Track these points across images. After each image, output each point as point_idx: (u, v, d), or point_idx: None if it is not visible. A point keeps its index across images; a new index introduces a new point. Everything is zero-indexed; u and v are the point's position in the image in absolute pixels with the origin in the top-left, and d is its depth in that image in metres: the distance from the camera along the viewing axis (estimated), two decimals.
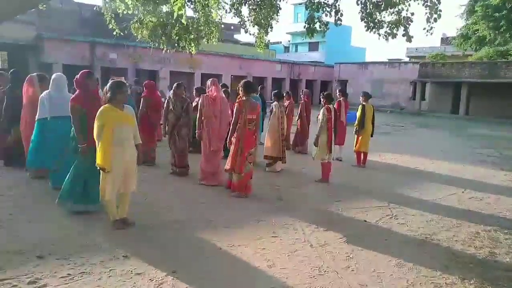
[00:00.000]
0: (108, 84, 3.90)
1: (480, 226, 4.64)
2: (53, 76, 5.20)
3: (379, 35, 6.52)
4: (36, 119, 5.21)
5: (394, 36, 6.33)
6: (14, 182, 5.52)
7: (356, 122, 7.81)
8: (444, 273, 3.38)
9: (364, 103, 7.81)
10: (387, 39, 6.37)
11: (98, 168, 3.81)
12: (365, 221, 4.69)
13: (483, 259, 3.73)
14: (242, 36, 51.84)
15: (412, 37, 5.85)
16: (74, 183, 4.25)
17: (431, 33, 5.84)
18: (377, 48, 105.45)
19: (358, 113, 7.79)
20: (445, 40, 39.65)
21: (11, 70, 6.45)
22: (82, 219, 4.22)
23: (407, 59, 38.10)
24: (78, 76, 4.42)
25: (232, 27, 40.06)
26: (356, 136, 7.78)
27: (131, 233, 3.92)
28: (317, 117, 6.40)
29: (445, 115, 25.38)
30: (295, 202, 5.34)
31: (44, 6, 8.57)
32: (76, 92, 4.39)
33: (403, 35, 6.00)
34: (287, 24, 47.38)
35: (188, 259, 3.41)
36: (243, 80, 5.63)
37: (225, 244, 3.76)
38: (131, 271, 3.12)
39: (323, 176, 6.39)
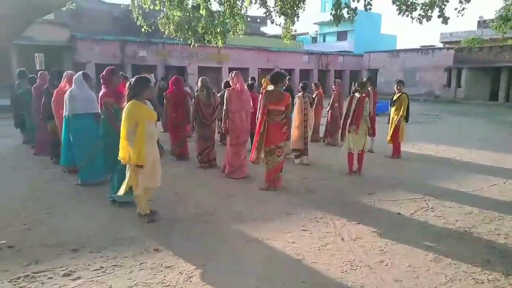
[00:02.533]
0: (133, 80, 3.90)
1: None
2: (76, 75, 5.32)
3: (412, 18, 6.17)
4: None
5: (428, 18, 5.96)
6: (52, 177, 5.74)
7: (402, 111, 7.40)
8: (486, 268, 3.19)
9: (404, 92, 7.49)
10: (421, 22, 6.02)
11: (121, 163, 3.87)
12: (399, 214, 4.51)
13: None
14: (268, 29, 51.54)
15: (449, 18, 5.49)
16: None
17: (463, 14, 5.47)
18: (409, 35, 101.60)
19: (404, 103, 7.40)
20: (482, 24, 37.57)
21: (52, 70, 6.70)
22: (114, 213, 4.31)
23: (441, 45, 36.45)
24: (104, 73, 4.51)
25: (258, 20, 39.88)
26: (396, 126, 7.45)
27: (161, 226, 3.97)
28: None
29: (483, 103, 24.13)
30: (325, 195, 5.22)
31: (74, 5, 8.81)
32: (104, 89, 4.49)
33: (439, 17, 5.62)
34: (314, 14, 46.57)
35: (217, 253, 3.40)
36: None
37: (254, 238, 3.73)
38: (161, 264, 3.15)
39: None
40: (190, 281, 2.92)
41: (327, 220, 4.25)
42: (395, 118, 7.49)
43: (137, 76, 4.00)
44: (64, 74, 5.90)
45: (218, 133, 8.53)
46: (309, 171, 6.50)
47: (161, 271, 3.05)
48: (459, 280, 3.00)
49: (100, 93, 4.56)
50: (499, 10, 28.27)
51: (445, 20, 5.49)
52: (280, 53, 28.32)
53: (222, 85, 9.12)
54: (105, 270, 3.04)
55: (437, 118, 15.60)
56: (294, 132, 6.91)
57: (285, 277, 3.02)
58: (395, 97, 7.54)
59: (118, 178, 4.25)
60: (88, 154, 5.05)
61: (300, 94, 7.04)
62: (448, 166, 7.12)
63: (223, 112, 5.86)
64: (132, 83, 3.87)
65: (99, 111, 4.78)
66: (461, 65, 25.83)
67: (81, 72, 5.38)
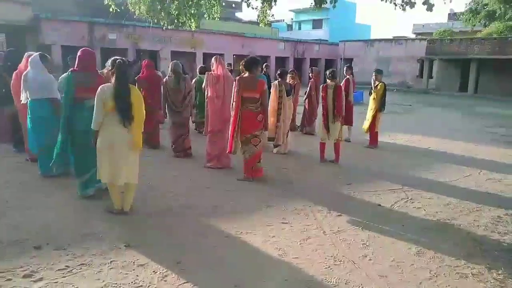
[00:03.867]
0: (113, 61, 3.57)
1: (501, 210, 4.39)
2: (32, 57, 4.84)
3: (396, 5, 6.05)
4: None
5: (412, 5, 5.85)
6: (14, 167, 5.31)
7: (378, 101, 7.36)
8: (469, 262, 3.15)
9: (382, 82, 7.45)
10: (404, 9, 5.91)
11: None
12: (380, 205, 4.45)
13: (509, 246, 3.50)
14: (244, 14, 50.72)
15: (433, 5, 5.39)
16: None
17: (451, 1, 5.38)
18: (382, 25, 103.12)
19: (380, 92, 7.35)
20: (452, 16, 38.57)
21: (7, 50, 6.15)
22: (82, 207, 4.01)
23: (413, 36, 37.14)
24: (81, 53, 4.14)
25: (233, 5, 39.15)
26: (373, 116, 7.42)
27: (132, 221, 3.71)
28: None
29: (453, 93, 24.85)
30: (304, 186, 5.10)
31: None
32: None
33: (424, 3, 5.51)
34: (290, 1, 46.18)
35: (193, 248, 3.20)
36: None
37: (233, 232, 3.54)
38: (133, 262, 2.91)
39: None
40: (165, 281, 2.70)
41: (307, 212, 4.12)
42: (372, 108, 7.46)
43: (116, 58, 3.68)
44: (25, 56, 5.39)
45: (193, 122, 8.23)
46: (287, 161, 6.36)
47: (133, 270, 2.82)
48: (444, 275, 2.94)
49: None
50: (469, 4, 29.09)
51: (430, 7, 5.41)
52: (255, 40, 27.95)
53: (197, 70, 8.79)
54: (71, 270, 2.77)
55: (410, 108, 15.86)
56: (269, 121, 6.67)
57: (266, 274, 2.86)
58: (373, 87, 7.49)
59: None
60: (49, 141, 4.61)
61: (276, 82, 6.81)
62: (424, 156, 7.18)
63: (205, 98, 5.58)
64: (110, 64, 3.59)
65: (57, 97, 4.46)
66: (432, 56, 26.40)
67: (37, 53, 4.91)
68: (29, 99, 4.70)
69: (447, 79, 26.78)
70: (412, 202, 4.58)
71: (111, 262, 2.91)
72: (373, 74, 7.59)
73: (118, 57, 3.66)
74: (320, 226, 3.78)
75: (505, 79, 23.84)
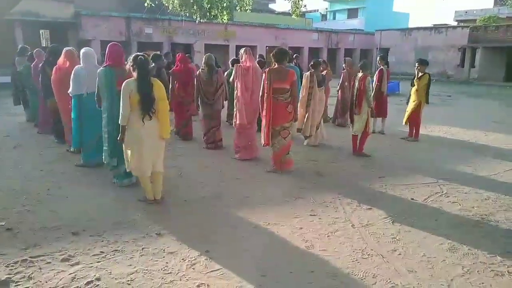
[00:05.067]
0: (135, 57, 3.68)
1: None
2: (83, 50, 5.05)
3: None
4: (71, 94, 5.10)
5: None
6: (55, 157, 5.63)
7: (423, 93, 7.08)
8: (506, 259, 3.01)
9: (426, 72, 7.15)
10: None
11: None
12: (412, 199, 4.32)
13: None
14: (277, 6, 50.32)
15: None
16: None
17: None
18: (421, 13, 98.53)
19: (425, 83, 7.05)
20: (499, 1, 36.16)
21: (50, 46, 6.48)
22: (117, 196, 4.19)
23: (455, 24, 35.28)
24: (111, 48, 4.30)
25: None
26: (416, 108, 7.14)
27: (164, 210, 3.84)
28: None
29: (498, 84, 23.42)
30: (334, 178, 5.04)
31: None
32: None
33: None
34: None
35: (222, 238, 3.27)
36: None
37: (261, 223, 3.58)
38: (164, 250, 3.02)
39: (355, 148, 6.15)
40: (193, 269, 2.79)
41: (336, 205, 4.09)
42: (415, 100, 7.15)
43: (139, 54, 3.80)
44: (63, 51, 5.65)
45: (227, 114, 8.31)
46: (318, 153, 6.30)
47: (163, 257, 2.93)
48: (477, 272, 2.83)
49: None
50: None
51: None
52: (288, 31, 27.64)
53: (230, 63, 8.85)
54: (105, 255, 2.92)
55: (449, 99, 15.16)
56: (299, 112, 6.58)
57: (293, 265, 2.88)
58: (417, 77, 7.16)
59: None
60: (97, 133, 4.83)
61: (308, 73, 6.73)
62: (462, 149, 6.87)
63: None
64: (133, 60, 3.68)
65: None
66: (476, 45, 24.99)
67: (88, 48, 5.15)
68: (86, 92, 4.85)
69: (491, 68, 25.25)
70: (447, 197, 4.41)
71: (142, 249, 3.03)
72: (416, 65, 7.25)
73: (139, 53, 3.77)
74: (349, 219, 3.74)
75: None
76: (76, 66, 4.98)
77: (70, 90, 4.95)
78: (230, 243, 3.19)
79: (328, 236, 3.36)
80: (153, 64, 6.83)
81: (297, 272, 2.79)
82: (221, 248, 3.09)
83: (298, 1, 8.65)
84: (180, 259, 2.91)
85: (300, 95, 6.55)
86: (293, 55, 9.16)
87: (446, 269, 2.86)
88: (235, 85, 5.64)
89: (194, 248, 3.05)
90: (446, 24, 33.93)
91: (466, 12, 37.72)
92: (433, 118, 9.74)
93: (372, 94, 6.00)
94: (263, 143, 5.10)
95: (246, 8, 9.00)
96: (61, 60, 5.53)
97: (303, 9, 9.16)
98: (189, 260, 2.89)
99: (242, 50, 5.74)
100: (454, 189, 4.65)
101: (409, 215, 3.84)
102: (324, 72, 7.92)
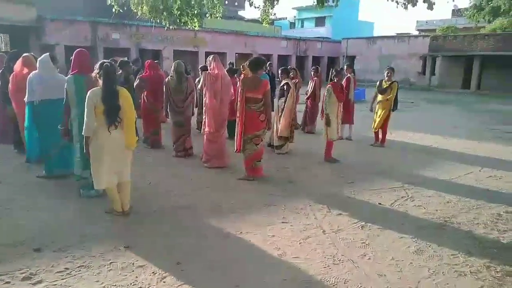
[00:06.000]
0: (101, 65, 3.58)
1: (501, 207, 4.38)
2: (41, 57, 4.83)
3: (397, 3, 6.03)
4: (26, 102, 4.87)
5: (414, 3, 5.84)
6: (15, 168, 5.35)
7: (392, 101, 7.35)
8: (468, 260, 3.15)
9: (395, 80, 7.40)
10: (406, 8, 5.89)
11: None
12: (380, 204, 4.45)
13: (508, 243, 3.49)
14: (246, 13, 50.72)
15: (434, 3, 5.37)
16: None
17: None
18: (386, 22, 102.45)
19: (395, 91, 7.32)
20: (456, 12, 38.28)
21: (11, 52, 6.19)
22: (83, 208, 4.03)
23: (417, 33, 36.93)
24: (78, 55, 4.16)
25: (236, 3, 39.09)
26: (387, 115, 7.38)
27: (133, 221, 3.73)
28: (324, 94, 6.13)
29: (456, 90, 24.68)
30: (305, 185, 5.10)
31: None
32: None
33: (424, 1, 5.49)
34: None
35: (193, 249, 3.21)
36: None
37: (233, 231, 3.56)
38: (133, 264, 2.93)
39: (329, 154, 6.22)
40: (164, 282, 2.72)
41: (307, 211, 4.13)
42: (385, 107, 7.38)
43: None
44: (20, 57, 5.41)
45: (197, 121, 8.24)
46: (289, 160, 6.37)
47: (133, 271, 2.84)
48: (442, 273, 2.95)
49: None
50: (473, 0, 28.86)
51: (431, 6, 5.38)
52: (258, 38, 27.95)
53: (199, 70, 8.80)
54: (70, 272, 2.80)
55: (412, 106, 15.79)
56: (284, 120, 6.60)
57: (266, 274, 2.87)
58: (385, 85, 7.40)
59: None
60: (56, 143, 4.65)
61: (292, 80, 6.86)
62: (425, 154, 7.16)
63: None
64: (100, 67, 3.57)
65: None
66: (436, 53, 26.25)
67: (47, 54, 4.93)
68: (38, 100, 4.65)
69: (449, 76, 26.59)
70: (412, 200, 4.57)
71: (110, 263, 2.93)
72: (388, 72, 7.45)
73: (106, 60, 3.68)
74: (320, 225, 3.79)
75: (508, 76, 23.66)
76: (31, 73, 4.79)
77: (25, 97, 4.75)
78: (202, 253, 3.15)
79: (300, 243, 3.39)
80: (120, 71, 6.68)
81: (270, 281, 2.79)
82: (193, 259, 3.03)
83: (268, 9, 8.74)
84: (150, 272, 2.83)
85: (287, 104, 6.58)
86: (267, 63, 9.23)
87: (413, 272, 2.96)
88: (204, 93, 5.62)
89: (164, 261, 2.99)
90: (409, 33, 35.49)
91: (427, 22, 39.55)
92: (398, 124, 10.09)
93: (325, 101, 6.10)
94: (236, 150, 5.10)
95: (217, 15, 9.00)
96: (17, 66, 5.30)
97: (272, 17, 9.25)
98: (159, 274, 2.82)
99: (210, 58, 5.73)
100: (419, 193, 4.83)
101: (377, 220, 3.95)
102: (295, 80, 8.04)
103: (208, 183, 5.00)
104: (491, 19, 27.38)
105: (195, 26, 9.27)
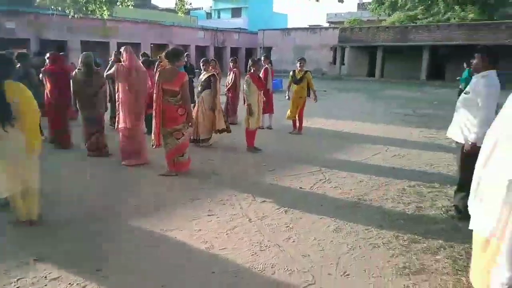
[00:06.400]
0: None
1: (405, 182, 4.89)
2: None
3: None
4: None
5: None
6: None
7: (309, 89, 7.81)
8: (380, 232, 3.46)
9: (308, 70, 7.77)
10: (317, 0, 6.21)
11: None
12: (301, 188, 4.66)
13: (412, 214, 3.91)
14: (159, 1, 48.79)
15: None
16: None
17: None
18: (298, 14, 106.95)
19: (310, 79, 7.76)
20: (361, 6, 41.43)
21: None
22: None
23: (327, 25, 39.19)
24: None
25: None
26: (303, 103, 7.76)
27: (43, 231, 3.37)
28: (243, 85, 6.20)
29: (363, 79, 26.86)
30: (230, 176, 5.12)
31: None
32: None
33: None
34: None
35: (115, 254, 3.02)
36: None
37: (158, 230, 3.43)
38: (45, 277, 2.66)
39: (251, 144, 6.33)
40: None
41: (233, 201, 4.16)
42: (302, 96, 7.70)
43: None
44: None
45: (111, 117, 7.73)
46: (213, 152, 6.33)
47: (45, 285, 2.57)
48: (359, 247, 3.20)
49: None
50: None
51: None
52: (174, 28, 27.12)
53: (110, 62, 8.24)
54: None
55: (325, 94, 16.78)
56: (219, 112, 6.67)
57: (195, 269, 2.83)
58: (299, 75, 7.71)
59: None
60: None
61: (215, 72, 6.77)
62: (338, 139, 7.67)
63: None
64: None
65: None
66: (344, 44, 28.18)
67: None
68: None
69: (357, 65, 28.84)
70: (330, 182, 4.88)
71: (18, 280, 2.62)
72: (301, 63, 7.77)
73: None
74: (245, 214, 3.84)
75: (406, 64, 26.41)
76: None
77: None
78: (125, 257, 2.98)
79: (227, 234, 3.40)
80: (19, 65, 5.96)
81: (198, 276, 2.75)
82: (115, 264, 2.86)
83: None
84: (67, 284, 2.59)
85: (216, 96, 6.56)
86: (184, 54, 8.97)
87: (334, 249, 3.16)
88: (116, 86, 5.28)
89: (83, 270, 2.76)
90: (320, 25, 37.48)
91: (336, 15, 42.18)
92: (312, 112, 10.65)
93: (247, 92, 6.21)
94: (153, 144, 4.90)
95: (128, 4, 8.47)
96: None
97: (188, 7, 9.04)
98: (78, 284, 2.60)
99: (122, 49, 5.40)
100: (335, 175, 5.17)
101: (299, 203, 4.13)
102: (217, 71, 7.96)
103: (128, 183, 4.75)
104: (390, 12, 30.33)
105: (104, 15, 8.63)
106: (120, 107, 5.30)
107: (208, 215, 3.78)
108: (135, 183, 4.73)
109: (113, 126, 7.51)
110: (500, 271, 2.22)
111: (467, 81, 13.16)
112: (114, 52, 7.59)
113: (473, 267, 2.56)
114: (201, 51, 28.36)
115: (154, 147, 4.94)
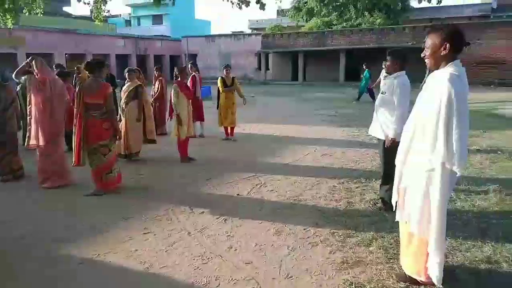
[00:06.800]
0: None
1: (335, 180, 5.15)
2: None
3: (232, 3, 6.41)
4: None
5: (247, 4, 6.31)
6: None
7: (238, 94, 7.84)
8: (317, 231, 3.59)
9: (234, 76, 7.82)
10: (240, 7, 6.32)
11: None
12: (238, 194, 4.66)
13: (344, 210, 4.12)
14: (73, 9, 45.76)
15: (265, 4, 5.91)
16: None
17: (281, 1, 6.04)
18: (221, 21, 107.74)
19: (238, 86, 7.82)
20: (280, 12, 42.99)
21: None
22: None
23: (250, 31, 40.01)
24: None
25: None
26: (233, 108, 7.78)
27: None
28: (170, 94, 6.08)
29: (287, 83, 27.88)
30: (164, 189, 4.94)
31: None
32: None
33: (257, 2, 6.02)
34: None
35: (39, 285, 2.72)
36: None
37: (89, 255, 3.17)
38: None
39: (184, 154, 6.20)
40: None
41: (170, 216, 4.01)
42: (234, 101, 7.77)
43: None
44: None
45: (24, 135, 6.99)
46: (143, 166, 6.06)
47: None
48: (299, 247, 3.28)
49: None
50: (293, 1, 33.02)
51: (262, 6, 5.90)
52: (90, 37, 25.56)
53: (13, 75, 7.46)
54: None
55: (253, 99, 17.09)
56: (151, 122, 6.57)
57: None
58: (229, 81, 7.73)
59: None
60: None
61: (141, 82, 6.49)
62: (270, 142, 7.85)
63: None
64: None
65: None
66: (268, 50, 29.00)
67: None
68: None
69: (281, 70, 29.86)
70: (266, 186, 4.95)
71: None
72: (225, 70, 7.78)
73: None
74: (184, 227, 3.72)
75: (326, 67, 28.01)
76: None
77: None
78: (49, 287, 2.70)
79: (166, 251, 3.26)
80: None
81: None
82: None
83: (100, 5, 8.03)
84: None
85: (145, 106, 6.37)
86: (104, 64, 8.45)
87: (276, 253, 3.20)
88: (28, 99, 4.81)
89: None
90: (243, 32, 38.14)
91: (257, 21, 43.23)
92: (244, 117, 10.77)
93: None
94: (74, 163, 4.55)
95: (37, 11, 7.75)
96: None
97: (105, 14, 8.56)
98: None
99: (29, 59, 4.92)
100: (270, 179, 5.26)
101: (238, 210, 4.13)
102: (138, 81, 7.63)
103: (49, 207, 4.33)
104: (308, 18, 31.95)
105: (9, 24, 7.80)
106: (32, 121, 4.83)
107: (144, 233, 3.60)
108: (57, 207, 4.32)
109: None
110: (430, 257, 2.40)
111: (367, 80, 14.90)
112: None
113: (402, 254, 2.76)
114: (122, 60, 27.09)
115: (73, 165, 4.59)
